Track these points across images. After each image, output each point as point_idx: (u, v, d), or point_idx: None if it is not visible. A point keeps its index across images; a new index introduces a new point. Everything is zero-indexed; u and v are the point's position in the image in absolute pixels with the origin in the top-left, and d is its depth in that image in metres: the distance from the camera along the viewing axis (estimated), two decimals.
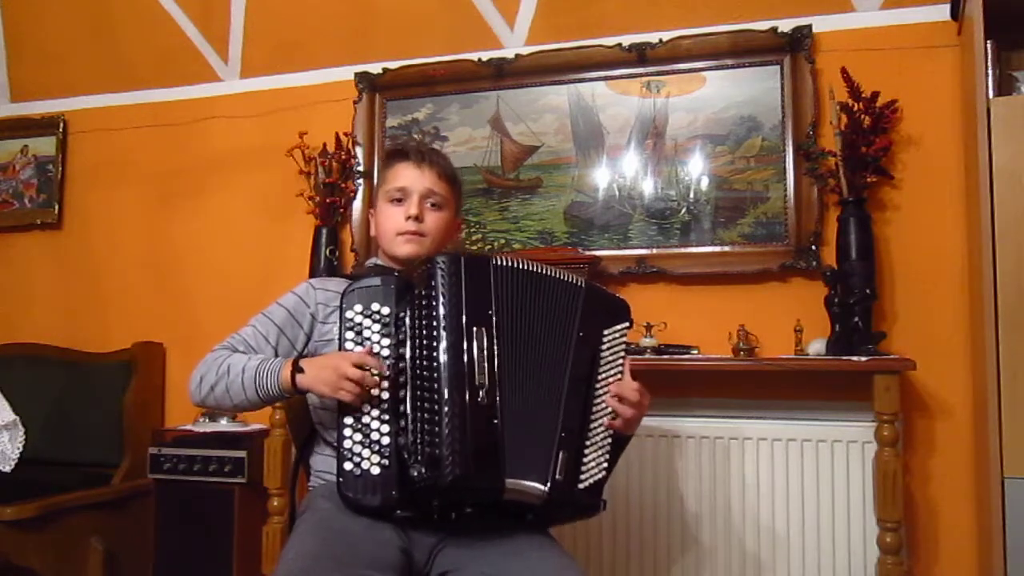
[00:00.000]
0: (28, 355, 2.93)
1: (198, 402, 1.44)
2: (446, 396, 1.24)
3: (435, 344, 1.27)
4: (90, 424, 2.75)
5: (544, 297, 1.38)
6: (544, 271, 1.40)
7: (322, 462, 1.45)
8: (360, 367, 1.27)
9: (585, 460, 1.34)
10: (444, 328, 1.27)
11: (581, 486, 1.32)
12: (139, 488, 2.61)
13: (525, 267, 1.38)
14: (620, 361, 1.42)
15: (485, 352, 1.28)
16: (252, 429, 2.55)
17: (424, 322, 1.29)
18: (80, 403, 2.80)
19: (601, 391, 1.38)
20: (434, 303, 1.29)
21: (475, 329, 1.28)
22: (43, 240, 3.16)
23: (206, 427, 2.57)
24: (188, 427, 2.60)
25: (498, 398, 1.27)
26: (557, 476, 1.29)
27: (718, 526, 2.20)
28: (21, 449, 2.52)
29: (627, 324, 1.45)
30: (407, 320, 1.31)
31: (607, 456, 1.37)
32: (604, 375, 1.39)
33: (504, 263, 1.36)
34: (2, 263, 3.21)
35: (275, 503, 2.16)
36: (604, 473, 1.36)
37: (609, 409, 1.38)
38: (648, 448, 2.25)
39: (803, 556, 2.14)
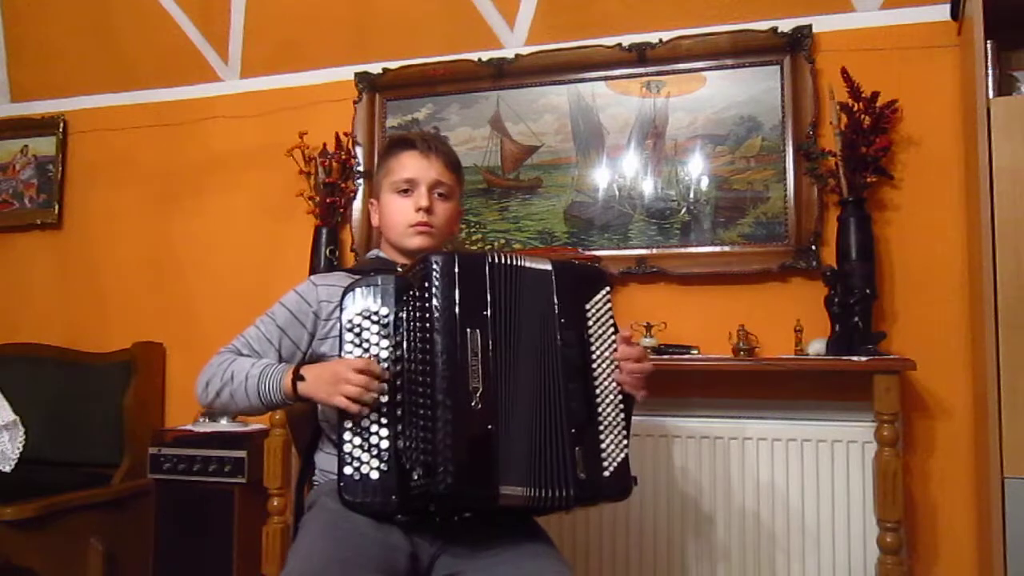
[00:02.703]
0: (28, 355, 2.93)
1: (205, 406, 1.47)
2: (440, 402, 1.22)
3: (429, 347, 1.25)
4: (90, 424, 2.75)
5: (527, 289, 1.34)
6: (521, 262, 1.35)
7: (327, 461, 1.44)
8: (363, 373, 1.27)
9: (603, 447, 1.32)
10: (438, 331, 1.25)
11: (606, 474, 1.31)
12: (139, 488, 2.61)
13: (516, 263, 1.34)
14: (611, 331, 1.39)
15: (479, 355, 1.26)
16: (252, 429, 2.55)
17: (419, 324, 1.28)
18: (80, 403, 2.80)
19: (599, 370, 1.36)
20: (427, 304, 1.27)
21: (468, 331, 1.26)
22: (43, 240, 3.16)
23: (206, 427, 2.56)
24: (188, 427, 2.60)
25: (494, 402, 1.25)
26: (580, 475, 1.27)
27: (718, 526, 2.20)
28: (21, 449, 2.51)
29: (607, 290, 1.41)
30: (404, 322, 1.30)
31: (624, 433, 1.35)
32: (598, 352, 1.36)
33: (499, 260, 1.33)
34: (2, 263, 3.20)
35: (275, 503, 2.15)
36: (625, 451, 1.34)
37: (615, 386, 1.36)
38: (648, 448, 2.25)
39: (803, 556, 2.14)
